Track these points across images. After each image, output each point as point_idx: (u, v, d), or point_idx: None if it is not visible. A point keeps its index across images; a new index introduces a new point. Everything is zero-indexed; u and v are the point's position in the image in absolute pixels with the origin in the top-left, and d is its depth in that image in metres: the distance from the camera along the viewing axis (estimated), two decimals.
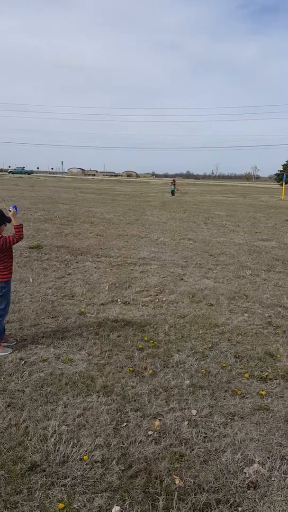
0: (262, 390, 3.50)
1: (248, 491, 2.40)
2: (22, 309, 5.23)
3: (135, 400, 3.28)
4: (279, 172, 79.12)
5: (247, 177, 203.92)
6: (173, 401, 3.29)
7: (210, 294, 6.29)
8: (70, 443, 2.72)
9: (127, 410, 3.14)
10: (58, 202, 20.88)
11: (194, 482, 2.44)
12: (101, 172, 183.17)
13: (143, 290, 6.36)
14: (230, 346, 4.39)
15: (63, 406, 3.14)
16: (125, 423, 2.98)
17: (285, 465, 2.62)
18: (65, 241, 10.03)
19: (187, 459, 2.64)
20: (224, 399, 3.37)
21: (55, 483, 2.38)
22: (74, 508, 2.22)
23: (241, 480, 2.48)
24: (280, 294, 6.47)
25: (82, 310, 5.32)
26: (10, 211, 3.90)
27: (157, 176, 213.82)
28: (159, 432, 2.90)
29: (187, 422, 3.02)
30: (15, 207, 3.95)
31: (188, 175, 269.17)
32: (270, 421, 3.09)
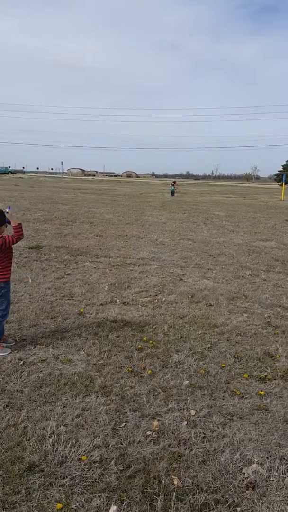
0: (261, 390, 3.50)
1: (246, 491, 2.39)
2: (21, 310, 5.23)
3: (134, 401, 3.28)
4: (279, 172, 79.15)
5: (247, 178, 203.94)
6: (172, 401, 3.29)
7: (210, 295, 6.28)
8: (68, 444, 2.71)
9: (125, 410, 3.14)
10: (58, 202, 20.88)
11: (192, 482, 2.43)
12: (101, 173, 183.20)
13: (142, 291, 6.35)
14: (229, 346, 4.39)
15: (61, 407, 3.14)
16: (123, 424, 2.98)
17: (283, 465, 2.61)
18: (64, 242, 10.03)
19: (185, 459, 2.64)
20: (223, 399, 3.37)
21: (53, 483, 2.38)
22: (72, 508, 2.22)
23: (239, 480, 2.48)
24: (279, 294, 6.47)
25: (81, 310, 5.32)
26: (7, 212, 3.90)
27: (157, 176, 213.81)
28: (158, 433, 2.89)
29: (185, 422, 3.02)
30: (9, 208, 3.96)
31: (188, 176, 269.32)
32: (269, 421, 3.09)
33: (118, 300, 5.83)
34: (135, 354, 4.10)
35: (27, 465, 2.51)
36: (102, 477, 2.45)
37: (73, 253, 8.76)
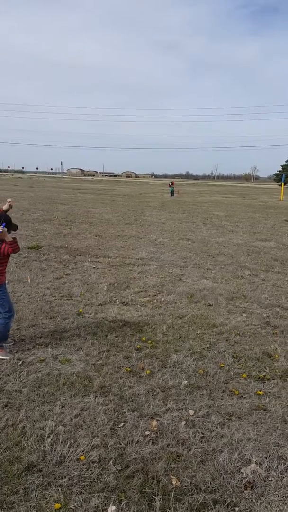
0: (260, 390, 3.50)
1: (245, 491, 2.39)
2: (20, 310, 5.23)
3: (132, 401, 3.28)
4: (278, 172, 79.20)
5: (247, 178, 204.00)
6: (170, 401, 3.29)
7: (209, 295, 6.28)
8: (67, 443, 2.71)
9: (124, 410, 3.14)
10: (57, 202, 20.88)
11: (191, 482, 2.43)
12: (100, 173, 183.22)
13: (141, 291, 6.35)
14: (228, 346, 4.39)
15: (60, 407, 3.13)
16: (122, 423, 2.98)
17: (282, 465, 2.61)
18: (63, 242, 10.03)
19: (184, 459, 2.64)
20: (222, 399, 3.37)
21: (51, 483, 2.38)
22: (71, 508, 2.22)
23: (238, 480, 2.48)
24: (278, 294, 6.47)
25: (80, 310, 5.32)
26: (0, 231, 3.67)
27: (156, 176, 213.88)
28: (156, 432, 2.89)
29: (184, 422, 3.02)
30: (4, 225, 3.71)
31: (188, 176, 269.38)
32: (268, 421, 3.09)
33: (117, 300, 5.83)
34: (134, 354, 4.10)
35: (26, 465, 2.51)
36: (101, 477, 2.45)
37: (72, 253, 8.76)
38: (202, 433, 2.91)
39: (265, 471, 2.56)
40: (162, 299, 5.96)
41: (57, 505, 2.21)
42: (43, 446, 2.69)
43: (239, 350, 4.31)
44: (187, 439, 2.83)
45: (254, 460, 2.65)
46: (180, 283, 6.93)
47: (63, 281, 6.65)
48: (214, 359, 4.07)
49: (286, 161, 79.36)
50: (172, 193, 33.78)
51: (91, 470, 2.50)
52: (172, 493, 2.34)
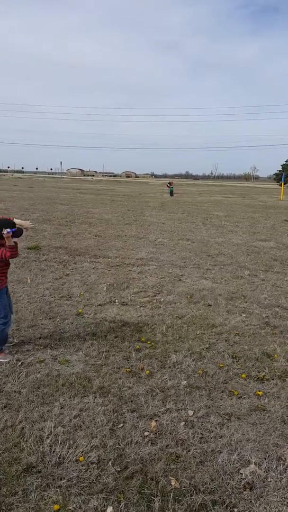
0: (259, 391, 3.50)
1: (244, 492, 2.39)
2: (20, 310, 5.23)
3: (131, 401, 3.28)
4: (278, 172, 79.20)
5: (246, 177, 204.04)
6: (169, 401, 3.28)
7: (208, 295, 6.28)
8: (66, 444, 2.71)
9: (123, 411, 3.14)
10: (57, 202, 20.87)
11: (190, 483, 2.43)
12: (100, 173, 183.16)
13: (141, 291, 6.35)
14: (227, 347, 4.39)
15: (59, 407, 3.13)
16: (121, 424, 2.98)
17: (281, 466, 2.61)
18: (63, 242, 10.03)
19: (183, 460, 2.64)
20: (221, 399, 3.37)
21: (50, 485, 2.38)
22: (69, 509, 2.22)
23: (237, 481, 2.48)
24: (278, 295, 6.47)
25: (80, 311, 5.32)
26: (5, 233, 3.64)
27: (156, 176, 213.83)
28: (156, 433, 2.89)
29: (183, 423, 3.02)
30: (13, 230, 3.69)
31: (187, 176, 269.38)
32: (267, 421, 3.09)
33: (116, 301, 5.83)
34: (133, 355, 4.10)
35: (25, 466, 2.50)
36: (100, 478, 2.45)
37: (71, 254, 8.76)
38: (201, 433, 2.91)
39: (264, 472, 2.56)
40: (162, 300, 5.96)
41: (56, 506, 2.21)
42: (42, 447, 2.68)
43: (238, 350, 4.31)
44: (186, 440, 2.83)
45: (253, 460, 2.64)
46: (180, 283, 6.93)
47: (63, 282, 6.64)
48: (213, 360, 4.07)
49: (286, 161, 79.38)
50: (171, 193, 33.78)
51: (90, 471, 2.50)
52: (171, 494, 2.34)
